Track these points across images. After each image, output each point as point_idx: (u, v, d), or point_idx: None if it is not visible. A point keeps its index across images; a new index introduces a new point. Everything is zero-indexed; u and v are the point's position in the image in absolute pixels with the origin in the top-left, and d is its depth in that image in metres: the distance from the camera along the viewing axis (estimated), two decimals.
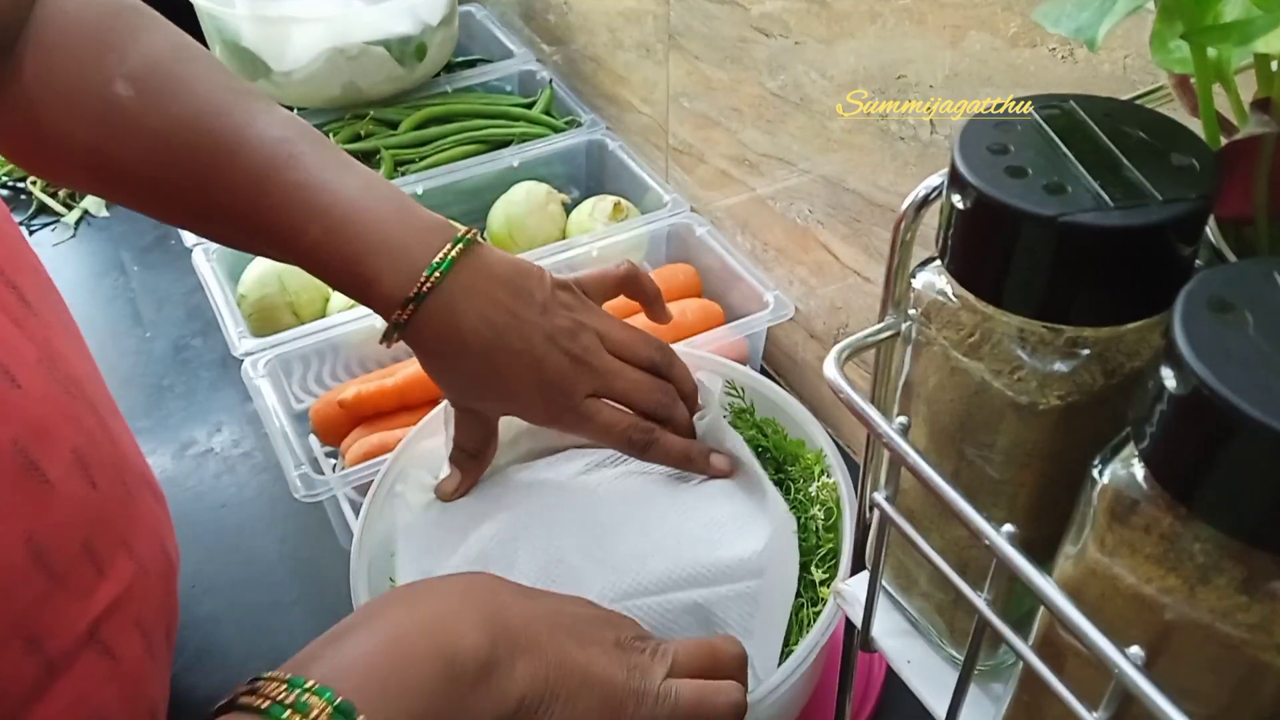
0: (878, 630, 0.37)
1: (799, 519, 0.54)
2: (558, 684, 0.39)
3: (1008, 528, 0.26)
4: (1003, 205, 0.26)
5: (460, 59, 1.06)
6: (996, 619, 0.28)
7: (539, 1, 1.02)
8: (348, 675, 0.35)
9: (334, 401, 0.70)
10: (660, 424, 0.54)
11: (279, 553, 0.69)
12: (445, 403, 0.56)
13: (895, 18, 0.56)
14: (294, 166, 0.49)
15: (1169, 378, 0.22)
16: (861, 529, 0.36)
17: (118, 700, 0.42)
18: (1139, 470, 0.24)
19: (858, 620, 0.37)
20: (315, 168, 0.49)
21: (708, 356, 0.63)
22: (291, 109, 0.95)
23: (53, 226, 0.98)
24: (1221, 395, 0.20)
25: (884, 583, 0.37)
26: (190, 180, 0.48)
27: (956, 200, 0.27)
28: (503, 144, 0.93)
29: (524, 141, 0.93)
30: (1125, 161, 0.26)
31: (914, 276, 0.31)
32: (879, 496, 0.31)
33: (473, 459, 0.56)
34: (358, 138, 0.92)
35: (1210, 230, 0.28)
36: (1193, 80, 0.27)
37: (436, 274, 0.49)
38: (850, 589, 0.38)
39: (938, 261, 0.29)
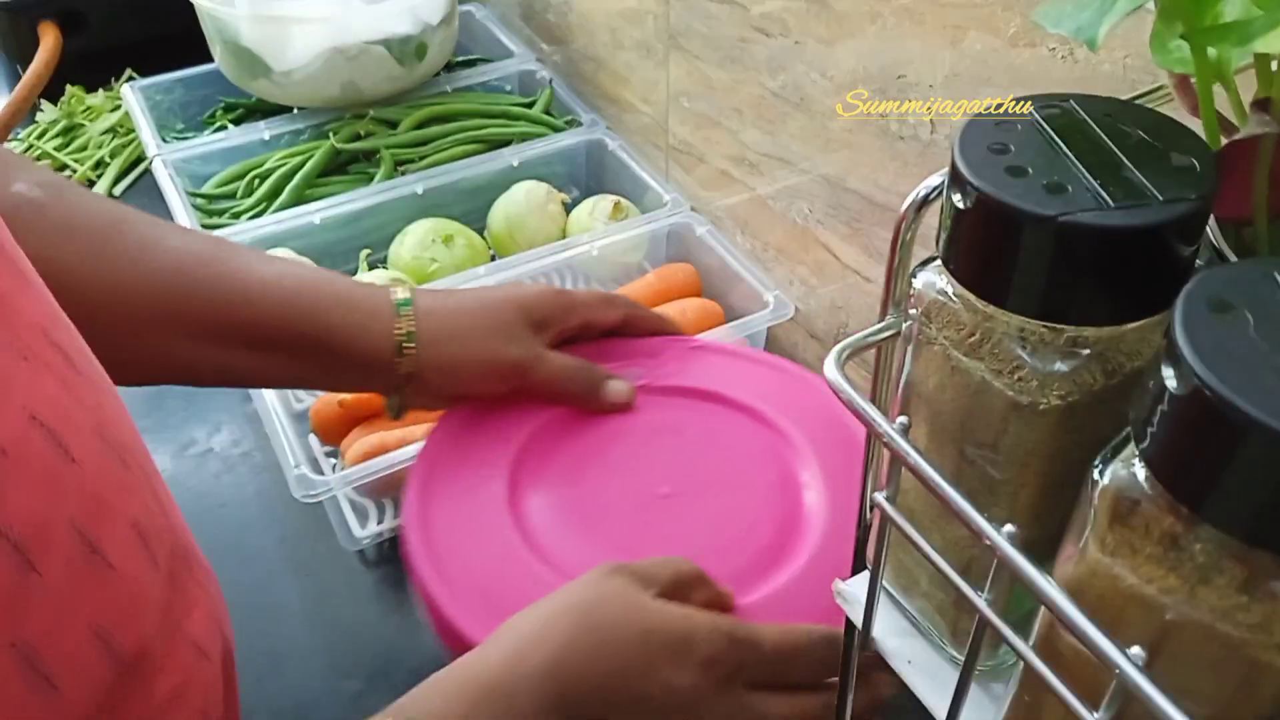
0: (878, 630, 0.37)
1: None
2: None
3: (1008, 528, 0.26)
4: (1003, 205, 0.26)
5: (460, 59, 1.06)
6: (997, 619, 0.28)
7: (539, 1, 1.02)
8: None
9: (334, 401, 0.70)
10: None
11: (279, 553, 0.69)
12: None
13: (895, 18, 0.56)
14: (221, 258, 0.52)
15: (1169, 377, 0.22)
16: (862, 529, 0.36)
17: None
18: (1139, 470, 0.24)
19: (858, 620, 0.37)
20: (243, 255, 0.53)
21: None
22: (292, 109, 0.95)
23: None
24: (1222, 395, 0.20)
25: (884, 583, 0.37)
26: (104, 265, 0.48)
27: (957, 200, 0.27)
28: (503, 143, 0.93)
29: (524, 141, 0.93)
30: (1125, 161, 0.26)
31: (914, 276, 0.31)
32: (879, 497, 0.31)
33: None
34: (357, 137, 0.92)
35: (1210, 230, 0.28)
36: (1193, 80, 0.27)
37: (407, 310, 0.52)
38: (851, 589, 0.38)
39: (938, 261, 0.29)
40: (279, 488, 0.71)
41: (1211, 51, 0.26)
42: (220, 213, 0.88)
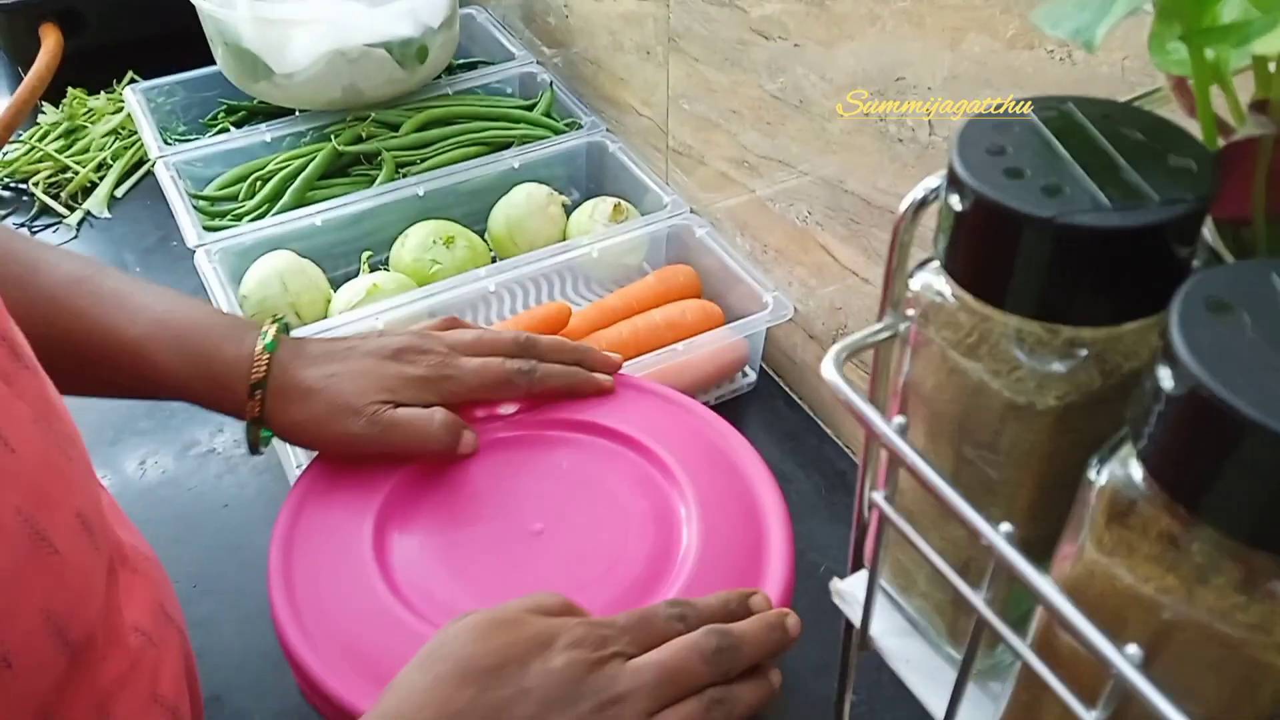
0: (876, 629, 0.37)
1: None
2: None
3: (1006, 527, 0.26)
4: (1000, 206, 0.26)
5: (461, 61, 1.06)
6: (995, 618, 0.28)
7: (539, 4, 1.02)
8: None
9: None
10: (529, 381, 0.57)
11: None
12: None
13: (894, 20, 0.56)
14: (102, 277, 0.54)
15: (1166, 378, 0.22)
16: (860, 528, 0.36)
17: None
18: (1137, 470, 0.24)
19: (856, 619, 0.37)
20: (121, 280, 0.55)
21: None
22: (293, 111, 0.95)
23: (55, 228, 0.98)
24: (1219, 395, 0.20)
25: (882, 582, 0.37)
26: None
27: (954, 201, 0.27)
28: (503, 146, 0.93)
29: (524, 143, 0.93)
30: (1123, 163, 0.26)
31: (912, 277, 0.31)
32: (877, 496, 0.31)
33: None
34: (359, 140, 0.93)
35: (1208, 231, 0.28)
36: (1190, 82, 0.27)
37: (263, 358, 0.54)
38: (849, 588, 0.38)
39: (936, 262, 0.30)
40: (280, 488, 0.71)
41: (1209, 53, 0.26)
42: (222, 214, 0.88)
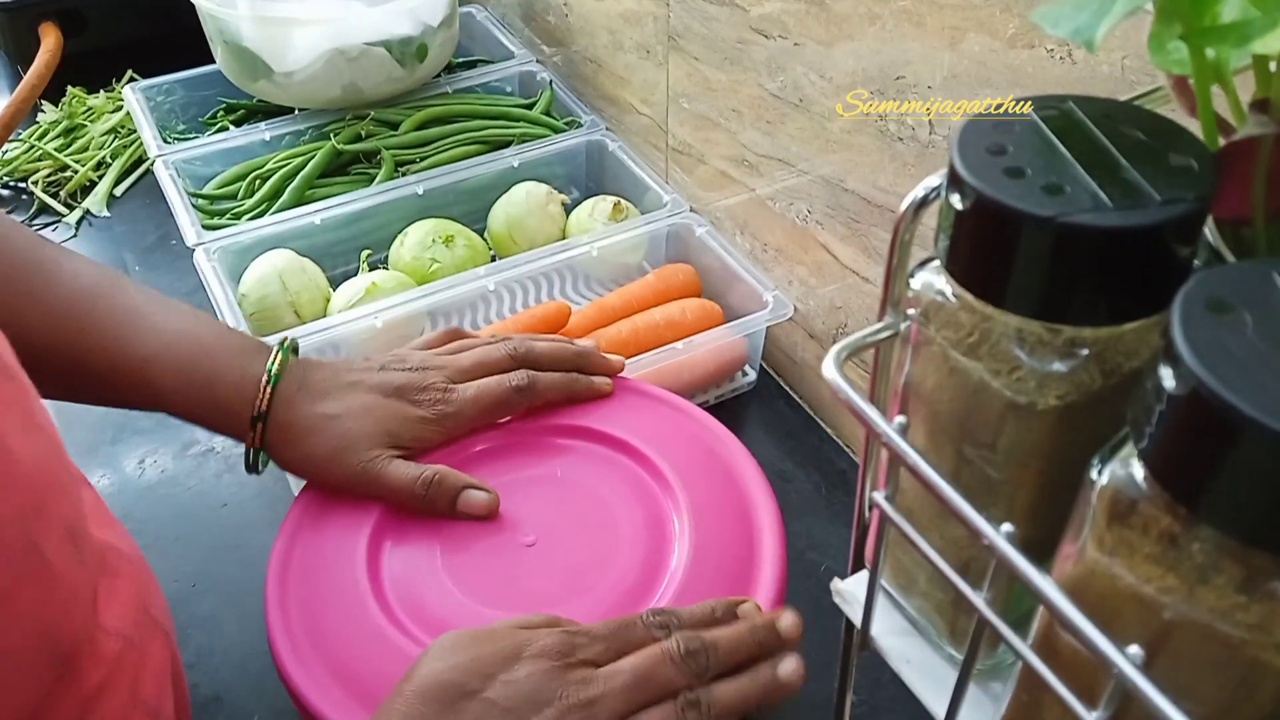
0: (876, 629, 0.37)
1: None
2: None
3: (1006, 527, 0.26)
4: (1001, 206, 0.26)
5: (461, 60, 1.06)
6: (996, 618, 0.28)
7: (539, 3, 1.02)
8: None
9: None
10: (527, 399, 0.58)
11: None
12: None
13: (894, 19, 0.56)
14: (117, 293, 0.54)
15: (1167, 378, 0.22)
16: (860, 528, 0.36)
17: None
18: (1137, 470, 0.24)
19: (857, 619, 0.37)
20: (136, 297, 0.55)
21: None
22: (293, 110, 0.95)
23: (54, 226, 0.98)
24: (1220, 395, 0.20)
25: (883, 582, 0.37)
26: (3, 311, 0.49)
27: (955, 201, 0.27)
28: (503, 144, 0.93)
29: (524, 142, 0.93)
30: (1123, 162, 0.26)
31: (913, 276, 0.31)
32: (878, 496, 0.31)
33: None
34: (359, 138, 0.93)
35: (1208, 231, 0.28)
36: (1191, 81, 0.27)
37: (269, 381, 0.54)
38: (849, 588, 0.38)
39: (936, 262, 0.29)
40: (280, 487, 0.71)
41: (1210, 52, 0.26)
42: (221, 213, 0.88)
